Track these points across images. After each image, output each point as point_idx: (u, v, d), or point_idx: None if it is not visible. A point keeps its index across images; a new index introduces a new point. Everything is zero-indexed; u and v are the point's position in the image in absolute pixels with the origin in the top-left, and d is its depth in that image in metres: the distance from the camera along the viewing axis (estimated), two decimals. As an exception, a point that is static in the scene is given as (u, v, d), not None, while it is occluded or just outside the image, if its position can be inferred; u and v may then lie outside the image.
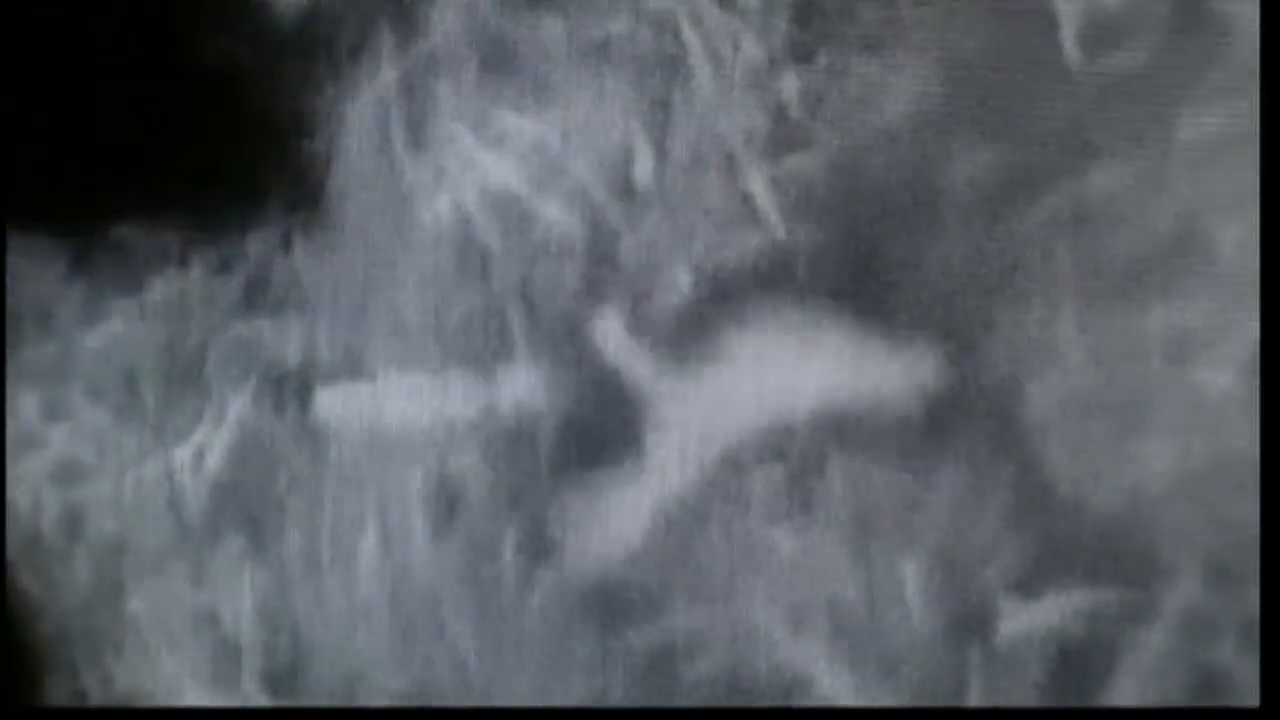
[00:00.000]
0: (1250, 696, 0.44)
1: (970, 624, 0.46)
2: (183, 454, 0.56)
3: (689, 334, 0.50)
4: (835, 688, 0.48)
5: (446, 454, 0.53)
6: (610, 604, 0.51)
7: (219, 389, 0.55)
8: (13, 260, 0.58)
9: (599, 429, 0.51)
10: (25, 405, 0.57)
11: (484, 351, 0.52)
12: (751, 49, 0.49)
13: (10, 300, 0.58)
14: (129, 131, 0.57)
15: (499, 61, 0.52)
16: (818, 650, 0.48)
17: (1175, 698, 0.45)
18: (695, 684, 0.49)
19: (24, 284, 0.57)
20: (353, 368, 0.54)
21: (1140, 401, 0.45)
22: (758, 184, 0.49)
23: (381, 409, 0.54)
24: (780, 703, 0.49)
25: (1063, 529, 0.45)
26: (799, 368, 0.49)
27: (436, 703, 0.53)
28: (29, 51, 0.58)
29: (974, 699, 0.46)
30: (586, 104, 0.51)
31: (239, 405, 0.55)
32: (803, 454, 0.49)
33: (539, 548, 0.52)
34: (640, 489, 0.50)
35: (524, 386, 0.52)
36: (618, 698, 0.50)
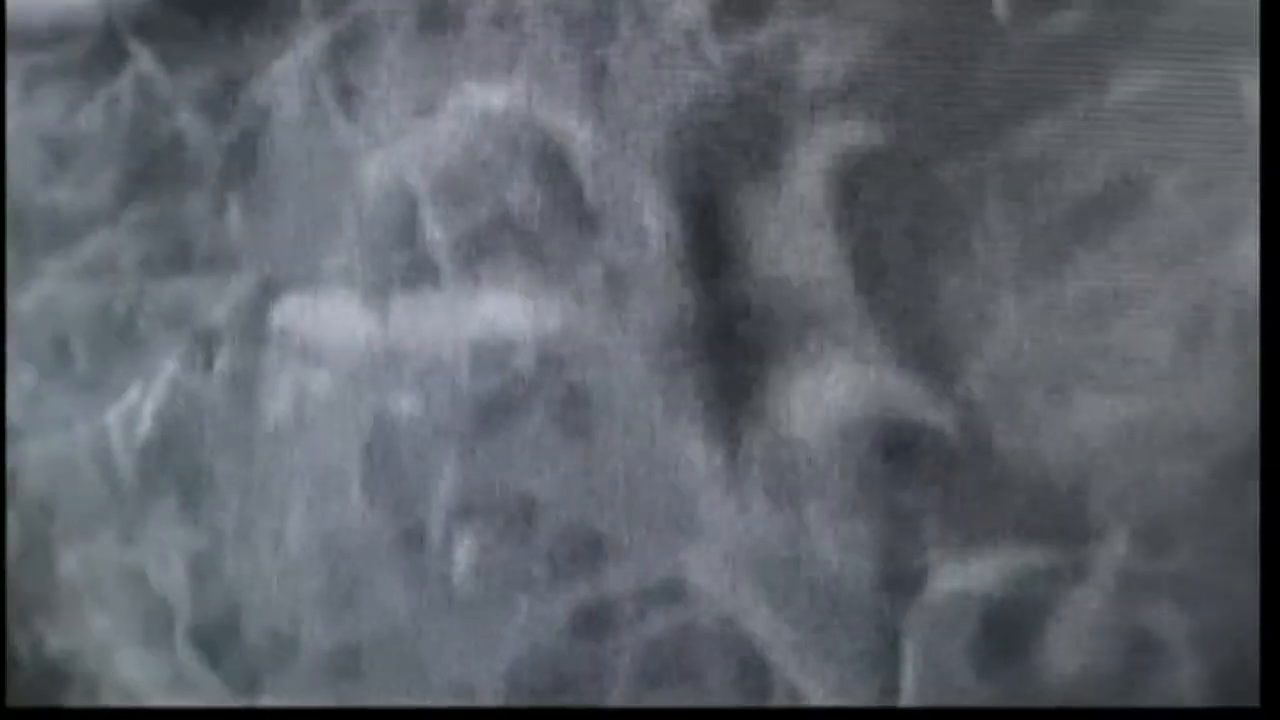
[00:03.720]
0: (1182, 655, 0.44)
1: (903, 581, 0.46)
2: (114, 414, 0.55)
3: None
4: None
5: (381, 412, 0.53)
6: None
7: (150, 349, 0.55)
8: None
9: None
10: (-45, 367, 0.57)
11: (419, 313, 0.52)
12: (684, 10, 0.48)
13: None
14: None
15: (432, 23, 0.52)
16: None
17: (1108, 657, 0.45)
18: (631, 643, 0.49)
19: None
20: (286, 326, 0.54)
21: (1075, 360, 0.45)
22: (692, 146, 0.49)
23: (316, 366, 0.54)
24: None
25: (996, 488, 0.46)
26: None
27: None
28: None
29: (908, 657, 0.46)
30: (519, 66, 0.51)
31: (171, 365, 0.55)
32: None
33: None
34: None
35: (458, 349, 0.52)
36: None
